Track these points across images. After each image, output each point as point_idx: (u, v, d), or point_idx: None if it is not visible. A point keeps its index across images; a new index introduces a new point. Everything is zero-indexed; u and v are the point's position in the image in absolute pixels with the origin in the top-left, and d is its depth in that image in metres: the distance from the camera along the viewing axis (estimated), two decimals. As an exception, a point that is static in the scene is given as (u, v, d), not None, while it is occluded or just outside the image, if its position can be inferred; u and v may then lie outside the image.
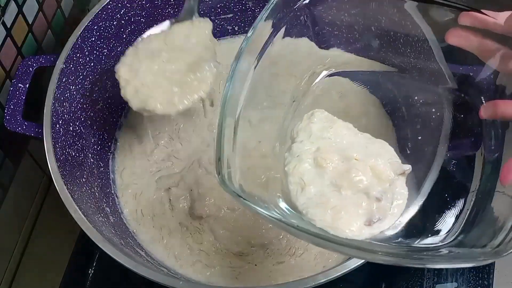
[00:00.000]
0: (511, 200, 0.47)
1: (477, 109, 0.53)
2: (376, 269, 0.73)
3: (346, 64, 0.64)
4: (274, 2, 0.55)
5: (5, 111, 0.67)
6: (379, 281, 0.73)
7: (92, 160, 0.73)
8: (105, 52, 0.73)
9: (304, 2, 0.59)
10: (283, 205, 0.52)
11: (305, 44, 0.63)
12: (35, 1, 0.75)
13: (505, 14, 0.48)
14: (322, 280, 0.56)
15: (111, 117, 0.78)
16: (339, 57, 0.64)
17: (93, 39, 0.71)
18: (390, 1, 0.58)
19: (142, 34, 0.76)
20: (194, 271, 0.70)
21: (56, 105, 0.66)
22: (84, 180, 0.69)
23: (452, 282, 0.72)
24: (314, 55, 0.64)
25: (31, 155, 0.80)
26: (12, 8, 0.70)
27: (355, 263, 0.57)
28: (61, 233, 0.79)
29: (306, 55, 0.64)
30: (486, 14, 0.50)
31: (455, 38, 0.52)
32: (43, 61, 0.70)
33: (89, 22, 0.69)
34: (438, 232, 0.52)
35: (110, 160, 0.77)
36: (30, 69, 0.69)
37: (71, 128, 0.69)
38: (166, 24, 0.68)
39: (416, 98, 0.63)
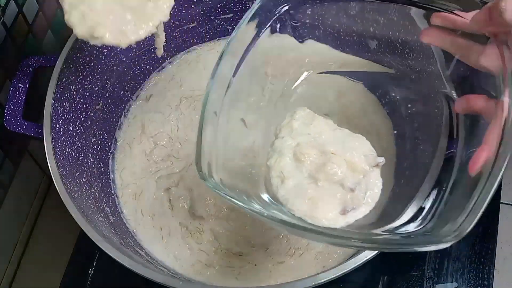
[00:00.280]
0: (469, 186, 0.49)
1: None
2: (376, 269, 0.73)
3: (338, 64, 0.65)
4: (257, 6, 0.57)
5: (5, 111, 0.67)
6: (379, 281, 0.73)
7: (92, 160, 0.73)
8: (105, 52, 0.73)
9: (284, 9, 0.61)
10: (265, 196, 0.56)
11: (291, 42, 0.64)
12: (35, 1, 0.75)
13: (472, 14, 0.50)
14: (322, 280, 0.56)
15: (111, 117, 0.78)
16: (329, 56, 0.65)
17: (93, 39, 0.71)
18: (396, 9, 0.59)
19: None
20: (194, 271, 0.70)
21: (56, 105, 0.66)
22: (84, 180, 0.69)
23: (452, 282, 0.72)
24: (299, 54, 0.65)
25: (31, 155, 0.80)
26: (12, 8, 0.70)
27: (355, 263, 0.57)
28: (61, 233, 0.80)
29: (292, 55, 0.65)
30: (457, 14, 0.53)
31: (428, 37, 0.54)
32: (43, 61, 0.70)
33: (89, 22, 0.69)
34: (410, 219, 0.55)
35: (110, 160, 0.77)
36: (30, 69, 0.69)
37: (71, 128, 0.69)
38: None
39: (414, 98, 0.64)
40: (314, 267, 0.69)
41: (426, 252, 0.73)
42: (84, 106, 0.72)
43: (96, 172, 0.73)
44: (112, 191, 0.75)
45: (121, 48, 0.75)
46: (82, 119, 0.72)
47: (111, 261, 0.59)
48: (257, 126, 0.62)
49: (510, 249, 0.77)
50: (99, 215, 0.67)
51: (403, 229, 0.54)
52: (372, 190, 0.54)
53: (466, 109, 0.53)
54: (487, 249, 0.73)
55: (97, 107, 0.75)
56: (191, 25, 0.81)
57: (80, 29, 0.58)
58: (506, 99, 0.48)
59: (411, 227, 0.54)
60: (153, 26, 0.59)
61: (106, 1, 0.58)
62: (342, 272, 0.57)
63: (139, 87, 0.81)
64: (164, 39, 0.64)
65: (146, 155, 0.77)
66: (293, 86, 0.65)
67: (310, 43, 0.65)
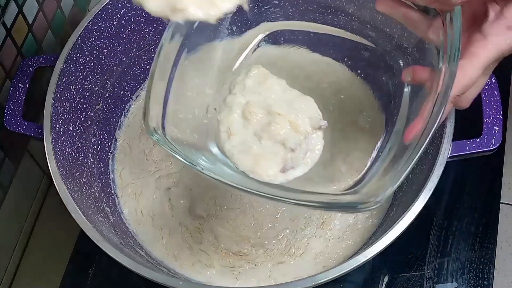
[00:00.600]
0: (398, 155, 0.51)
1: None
2: (376, 269, 0.73)
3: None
4: None
5: (5, 111, 0.67)
6: (379, 281, 0.73)
7: (92, 160, 0.73)
8: (105, 52, 0.73)
9: None
10: (215, 150, 0.56)
11: None
12: (35, 1, 0.75)
13: None
14: (322, 280, 0.56)
15: (111, 117, 0.78)
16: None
17: (93, 39, 0.71)
18: None
19: (142, 34, 0.76)
20: (193, 271, 0.70)
21: (56, 105, 0.66)
22: (84, 180, 0.69)
23: (452, 282, 0.72)
24: None
25: (31, 155, 0.80)
26: (12, 8, 0.70)
27: (355, 263, 0.57)
28: (61, 233, 0.79)
29: None
30: None
31: (383, 6, 0.55)
32: (43, 61, 0.70)
33: (89, 22, 0.69)
34: (342, 181, 0.59)
35: (110, 160, 0.77)
36: (30, 69, 0.69)
37: (71, 128, 0.69)
38: None
39: (371, 65, 0.66)
40: (314, 267, 0.69)
41: (426, 252, 0.74)
42: (84, 106, 0.72)
43: (96, 172, 0.73)
44: (112, 191, 0.75)
45: (121, 48, 0.75)
46: (82, 119, 0.72)
47: (111, 261, 0.59)
48: (213, 79, 0.62)
49: (510, 249, 0.77)
50: (99, 215, 0.67)
51: (332, 189, 0.58)
52: (312, 151, 0.55)
53: (412, 80, 0.55)
54: (487, 249, 0.73)
55: (97, 107, 0.75)
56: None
57: (154, 3, 0.46)
58: (442, 73, 0.49)
59: (341, 190, 0.57)
60: None
61: None
62: (342, 272, 0.57)
63: (139, 87, 0.81)
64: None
65: (146, 154, 0.77)
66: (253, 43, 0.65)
67: None
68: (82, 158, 0.71)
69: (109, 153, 0.77)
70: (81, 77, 0.71)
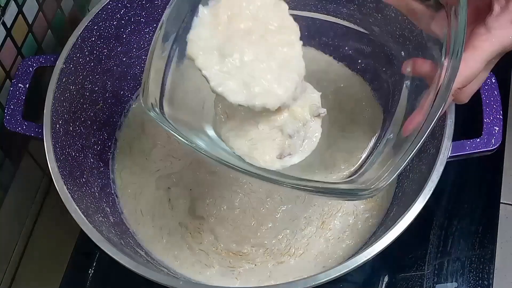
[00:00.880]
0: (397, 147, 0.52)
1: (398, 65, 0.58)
2: (376, 269, 0.73)
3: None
4: None
5: (5, 111, 0.67)
6: (379, 281, 0.73)
7: (92, 160, 0.73)
8: (105, 52, 0.73)
9: None
10: (211, 132, 0.56)
11: None
12: (35, 1, 0.75)
13: None
14: (322, 280, 0.56)
15: (111, 117, 0.78)
16: None
17: (93, 39, 0.71)
18: None
19: (142, 34, 0.76)
20: (193, 271, 0.70)
21: (56, 105, 0.66)
22: (84, 180, 0.69)
23: (452, 282, 0.72)
24: None
25: (31, 155, 0.80)
26: (12, 8, 0.70)
27: (355, 263, 0.57)
28: (61, 233, 0.79)
29: None
30: None
31: None
32: (43, 61, 0.70)
33: (89, 22, 0.69)
34: (339, 172, 0.59)
35: (110, 160, 0.77)
36: (30, 69, 0.69)
37: (71, 128, 0.69)
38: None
39: (368, 55, 0.66)
40: (314, 267, 0.69)
41: (426, 252, 0.74)
42: (84, 106, 0.72)
43: (96, 172, 0.73)
44: (112, 191, 0.75)
45: (121, 48, 0.75)
46: (82, 119, 0.72)
47: (111, 261, 0.59)
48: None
49: (510, 249, 0.77)
50: (99, 215, 0.67)
51: (329, 177, 0.58)
52: (309, 139, 0.55)
53: (412, 72, 0.55)
54: (487, 249, 0.74)
55: (97, 107, 0.75)
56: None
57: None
58: (444, 67, 0.49)
59: (339, 178, 0.57)
60: None
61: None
62: (342, 272, 0.57)
63: (139, 87, 0.81)
64: None
65: (146, 154, 0.77)
66: None
67: None
68: (82, 158, 0.71)
69: (109, 153, 0.77)
70: (81, 77, 0.71)
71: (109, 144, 0.78)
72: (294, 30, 0.52)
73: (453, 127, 0.62)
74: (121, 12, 0.72)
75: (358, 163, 0.59)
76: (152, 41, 0.53)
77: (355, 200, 0.69)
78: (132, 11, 0.73)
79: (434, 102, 0.48)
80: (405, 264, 0.73)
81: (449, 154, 0.61)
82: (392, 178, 0.49)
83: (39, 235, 0.82)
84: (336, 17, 0.64)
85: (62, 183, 0.62)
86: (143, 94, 0.51)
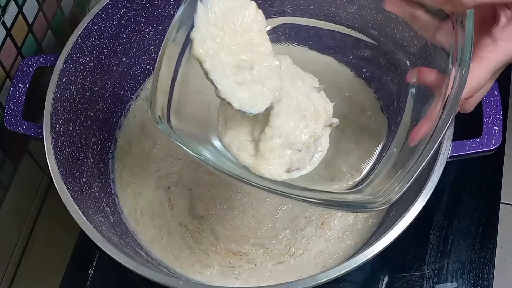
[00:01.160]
0: (404, 157, 0.51)
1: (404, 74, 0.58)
2: (376, 269, 0.73)
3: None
4: None
5: (5, 111, 0.67)
6: (379, 281, 0.73)
7: (92, 160, 0.73)
8: (105, 52, 0.73)
9: None
10: (217, 143, 0.55)
11: None
12: (35, 1, 0.75)
13: None
14: (322, 280, 0.56)
15: (111, 117, 0.78)
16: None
17: (93, 39, 0.71)
18: None
19: (142, 34, 0.76)
20: (193, 270, 0.70)
21: (56, 105, 0.66)
22: (84, 180, 0.69)
23: (452, 282, 0.72)
24: None
25: (31, 155, 0.80)
26: (12, 8, 0.70)
27: (355, 263, 0.57)
28: (61, 233, 0.80)
29: None
30: None
31: (391, 5, 0.55)
32: (43, 61, 0.70)
33: (89, 22, 0.69)
34: (342, 180, 0.58)
35: (110, 160, 0.77)
36: (30, 69, 0.69)
37: (71, 128, 0.69)
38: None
39: (374, 63, 0.65)
40: (314, 267, 0.69)
41: (426, 252, 0.74)
42: (84, 106, 0.72)
43: (96, 172, 0.73)
44: (112, 191, 0.75)
45: (121, 48, 0.75)
46: (82, 119, 0.72)
47: (111, 261, 0.59)
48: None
49: (510, 249, 0.77)
50: (99, 215, 0.67)
51: (335, 187, 0.57)
52: (319, 152, 0.55)
53: (417, 81, 0.55)
54: (487, 249, 0.74)
55: (97, 107, 0.75)
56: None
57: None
58: (451, 77, 0.49)
59: (344, 189, 0.57)
60: None
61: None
62: (342, 272, 0.57)
63: (139, 87, 0.81)
64: None
65: (145, 154, 0.77)
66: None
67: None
68: (82, 158, 0.71)
69: (109, 153, 0.77)
70: (81, 77, 0.71)
71: (109, 144, 0.78)
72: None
73: (453, 127, 0.62)
74: (121, 12, 0.72)
75: (364, 173, 0.58)
76: (160, 51, 0.52)
77: (364, 212, 0.69)
78: (132, 11, 0.73)
79: (442, 112, 0.48)
80: (405, 264, 0.73)
81: (449, 154, 0.61)
82: (405, 189, 0.48)
83: (39, 235, 0.82)
84: (336, 24, 0.64)
85: (62, 183, 0.62)
86: (150, 106, 0.51)
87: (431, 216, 0.76)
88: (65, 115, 0.68)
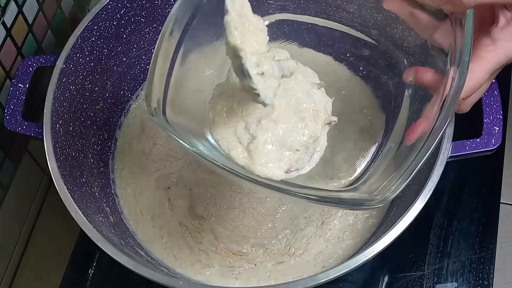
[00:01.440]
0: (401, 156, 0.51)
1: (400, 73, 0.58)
2: (376, 269, 0.73)
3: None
4: None
5: (5, 111, 0.67)
6: (379, 281, 0.73)
7: (92, 160, 0.73)
8: (105, 52, 0.73)
9: None
10: (210, 138, 0.55)
11: None
12: (35, 1, 0.75)
13: None
14: (322, 280, 0.56)
15: (111, 117, 0.78)
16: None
17: (93, 39, 0.71)
18: None
19: (142, 34, 0.76)
20: (193, 270, 0.70)
21: (56, 105, 0.66)
22: (84, 180, 0.69)
23: (452, 282, 0.72)
24: None
25: (31, 155, 0.80)
26: (12, 8, 0.70)
27: (355, 263, 0.57)
28: (61, 233, 0.80)
29: None
30: None
31: (390, 3, 0.55)
32: (43, 61, 0.70)
33: (89, 22, 0.69)
34: (341, 178, 0.58)
35: (110, 160, 0.77)
36: (30, 69, 0.69)
37: (71, 128, 0.69)
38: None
39: (372, 62, 0.65)
40: (314, 267, 0.69)
41: (426, 252, 0.74)
42: (84, 106, 0.72)
43: (96, 172, 0.73)
44: (112, 191, 0.75)
45: (121, 48, 0.75)
46: (82, 119, 0.72)
47: (111, 261, 0.59)
48: (212, 61, 0.60)
49: (510, 249, 0.77)
50: (99, 215, 0.67)
51: (332, 185, 0.57)
52: (317, 152, 0.54)
53: (414, 80, 0.55)
54: (487, 249, 0.74)
55: (97, 107, 0.75)
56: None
57: None
58: (449, 77, 0.49)
59: (341, 187, 0.56)
60: None
61: None
62: (342, 272, 0.57)
63: (139, 87, 0.81)
64: None
65: (145, 154, 0.77)
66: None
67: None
68: (82, 158, 0.71)
69: (109, 153, 0.77)
70: (81, 77, 0.71)
71: (109, 144, 0.78)
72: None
73: (453, 127, 0.62)
74: (121, 12, 0.72)
75: (360, 170, 0.58)
76: (157, 41, 0.53)
77: (362, 210, 0.69)
78: (132, 11, 0.73)
79: (440, 112, 0.48)
80: (405, 264, 0.73)
81: (449, 154, 0.61)
82: (401, 189, 0.48)
83: (39, 235, 0.82)
84: (335, 22, 0.64)
85: (62, 183, 0.62)
86: (146, 98, 0.51)
87: (431, 216, 0.76)
88: (65, 115, 0.68)
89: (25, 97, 0.68)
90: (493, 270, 0.72)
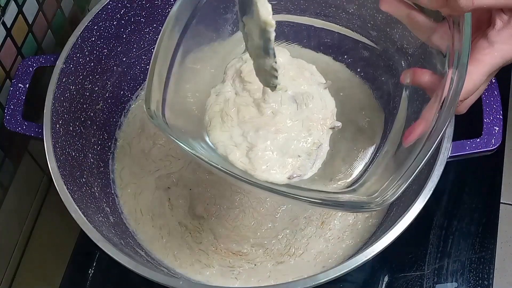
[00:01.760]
0: (400, 158, 0.51)
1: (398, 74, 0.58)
2: (376, 269, 0.73)
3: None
4: None
5: (5, 111, 0.67)
6: (379, 281, 0.73)
7: (92, 160, 0.73)
8: (105, 52, 0.73)
9: None
10: (208, 140, 0.55)
11: None
12: (35, 1, 0.75)
13: None
14: (322, 280, 0.56)
15: (111, 117, 0.78)
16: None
17: (93, 39, 0.71)
18: None
19: (142, 34, 0.76)
20: (193, 270, 0.70)
21: (56, 105, 0.66)
22: (84, 180, 0.69)
23: (452, 282, 0.72)
24: None
25: (31, 155, 0.80)
26: (12, 8, 0.70)
27: (355, 263, 0.57)
28: (61, 233, 0.79)
29: None
30: None
31: (387, 5, 0.55)
32: (43, 61, 0.70)
33: (89, 22, 0.69)
34: (341, 180, 0.58)
35: (110, 160, 0.77)
36: (30, 69, 0.69)
37: (71, 128, 0.69)
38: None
39: (371, 63, 0.65)
40: (314, 267, 0.69)
41: (426, 252, 0.74)
42: (84, 106, 0.72)
43: (96, 172, 0.73)
44: (112, 191, 0.75)
45: (121, 48, 0.75)
46: (82, 119, 0.72)
47: (111, 261, 0.59)
48: (211, 62, 0.60)
49: (510, 249, 0.77)
50: (99, 215, 0.67)
51: (331, 187, 0.57)
52: (320, 158, 0.54)
53: (411, 82, 0.55)
54: (487, 249, 0.74)
55: (97, 107, 0.75)
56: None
57: None
58: (448, 79, 0.49)
59: (340, 188, 0.56)
60: None
61: None
62: (342, 272, 0.57)
63: (139, 87, 0.81)
64: None
65: (145, 154, 0.77)
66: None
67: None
68: (82, 158, 0.71)
69: (109, 153, 0.77)
70: (81, 77, 0.71)
71: (109, 144, 0.78)
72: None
73: (453, 127, 0.62)
74: (121, 12, 0.72)
75: (358, 171, 0.59)
76: (157, 41, 0.53)
77: (361, 212, 0.69)
78: (132, 11, 0.73)
79: (439, 114, 0.48)
80: (405, 264, 0.73)
81: (449, 154, 0.61)
82: (401, 192, 0.48)
83: (39, 235, 0.82)
84: (335, 24, 0.64)
85: (62, 183, 0.62)
86: (145, 100, 0.51)
87: (431, 216, 0.76)
88: (65, 115, 0.68)
89: (25, 97, 0.68)
90: (493, 270, 0.72)
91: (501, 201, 0.78)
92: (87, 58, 0.71)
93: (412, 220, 0.58)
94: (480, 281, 0.72)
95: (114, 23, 0.72)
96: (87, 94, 0.73)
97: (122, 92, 0.79)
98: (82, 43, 0.69)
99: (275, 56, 0.47)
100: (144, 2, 0.74)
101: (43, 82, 0.69)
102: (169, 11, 0.77)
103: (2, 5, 0.68)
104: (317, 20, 0.64)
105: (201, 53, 0.58)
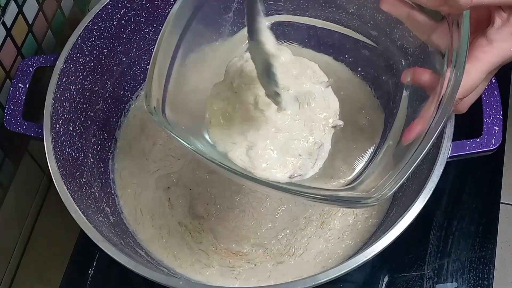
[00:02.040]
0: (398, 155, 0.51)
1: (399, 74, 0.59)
2: (376, 269, 0.73)
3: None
4: None
5: (5, 111, 0.67)
6: (379, 281, 0.73)
7: (92, 160, 0.73)
8: (105, 52, 0.73)
9: None
10: (208, 137, 0.55)
11: None
12: (35, 1, 0.75)
13: None
14: (322, 280, 0.56)
15: (111, 117, 0.78)
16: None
17: (93, 39, 0.71)
18: None
19: (142, 34, 0.76)
20: (193, 270, 0.70)
21: (56, 105, 0.66)
22: (84, 180, 0.69)
23: (452, 282, 0.72)
24: None
25: (31, 155, 0.80)
26: (12, 8, 0.70)
27: (355, 263, 0.57)
28: (61, 233, 0.79)
29: None
30: None
31: (388, 5, 0.55)
32: (43, 61, 0.70)
33: (89, 22, 0.69)
34: (341, 178, 0.58)
35: (110, 160, 0.77)
36: (30, 69, 0.69)
37: (71, 128, 0.69)
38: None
39: (370, 63, 0.65)
40: (314, 267, 0.69)
41: (426, 252, 0.74)
42: (84, 106, 0.72)
43: (96, 172, 0.73)
44: (112, 191, 0.75)
45: (121, 48, 0.75)
46: (82, 119, 0.72)
47: (111, 261, 0.59)
48: (211, 61, 0.61)
49: (510, 249, 0.77)
50: (99, 215, 0.67)
51: (331, 185, 0.57)
52: (322, 158, 0.54)
53: (412, 81, 0.55)
54: (487, 249, 0.74)
55: (97, 107, 0.75)
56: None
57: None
58: (446, 78, 0.49)
59: (339, 186, 0.57)
60: None
61: None
62: (342, 272, 0.57)
63: (139, 87, 0.81)
64: None
65: (145, 154, 0.77)
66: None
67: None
68: (82, 158, 0.71)
69: (109, 153, 0.77)
70: (81, 77, 0.71)
71: (109, 144, 0.78)
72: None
73: (453, 127, 0.62)
74: (121, 12, 0.72)
75: (358, 170, 0.59)
76: (157, 41, 0.53)
77: (357, 208, 0.69)
78: (132, 11, 0.73)
79: (437, 112, 0.49)
80: (405, 264, 0.73)
81: (449, 154, 0.61)
82: (397, 187, 0.49)
83: (39, 235, 0.82)
84: (335, 24, 0.64)
85: (62, 183, 0.62)
86: (146, 97, 0.51)
87: (431, 216, 0.76)
88: (65, 115, 0.68)
89: (25, 97, 0.68)
90: (493, 270, 0.72)
91: (501, 201, 0.78)
92: (87, 58, 0.71)
93: (412, 220, 0.58)
94: (480, 281, 0.72)
95: (114, 23, 0.72)
96: (87, 94, 0.73)
97: (122, 92, 0.79)
98: (82, 43, 0.69)
99: (277, 85, 0.49)
100: (144, 2, 0.74)
101: (43, 82, 0.69)
102: (169, 11, 0.77)
103: (2, 5, 0.68)
104: (318, 20, 0.64)
105: (201, 52, 0.58)
